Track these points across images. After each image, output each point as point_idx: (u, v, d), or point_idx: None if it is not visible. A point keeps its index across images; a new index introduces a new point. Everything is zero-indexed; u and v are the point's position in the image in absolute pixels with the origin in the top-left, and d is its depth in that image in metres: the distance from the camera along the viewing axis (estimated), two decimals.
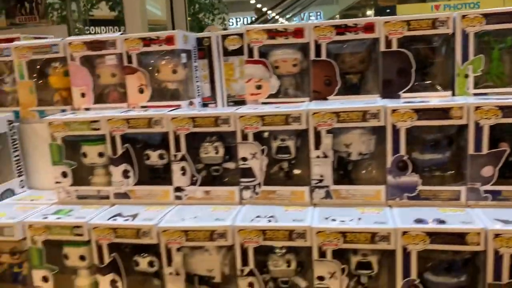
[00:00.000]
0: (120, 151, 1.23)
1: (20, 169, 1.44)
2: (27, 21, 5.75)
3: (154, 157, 1.26)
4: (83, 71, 1.37)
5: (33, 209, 1.25)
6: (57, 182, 1.29)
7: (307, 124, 1.11)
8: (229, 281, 1.12)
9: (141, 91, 1.35)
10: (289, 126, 1.12)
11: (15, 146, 1.42)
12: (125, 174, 1.24)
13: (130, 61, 1.33)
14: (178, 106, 1.31)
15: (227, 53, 1.38)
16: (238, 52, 1.36)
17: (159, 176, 1.27)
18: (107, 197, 1.27)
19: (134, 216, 1.15)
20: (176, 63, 1.34)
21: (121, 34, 1.36)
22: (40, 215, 1.21)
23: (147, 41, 1.31)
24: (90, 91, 1.38)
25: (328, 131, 1.10)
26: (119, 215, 1.17)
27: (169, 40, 1.30)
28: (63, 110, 1.40)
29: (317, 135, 1.11)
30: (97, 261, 1.15)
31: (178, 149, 1.19)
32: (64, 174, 1.28)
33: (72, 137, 1.27)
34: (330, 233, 1.00)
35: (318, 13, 14.43)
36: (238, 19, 15.14)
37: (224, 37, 1.38)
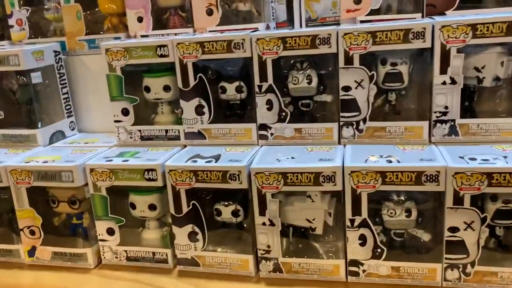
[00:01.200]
0: (192, 82, 1.03)
1: (69, 108, 1.26)
2: None
3: (231, 90, 1.06)
4: None
5: (91, 152, 1.08)
6: (116, 121, 1.11)
7: (432, 41, 0.89)
8: (333, 233, 0.95)
9: (209, 12, 1.13)
10: (408, 44, 0.90)
11: (63, 82, 1.23)
12: (199, 110, 1.05)
13: None
14: (255, 29, 1.10)
15: None
16: None
17: (236, 112, 1.08)
18: (177, 138, 1.08)
19: (217, 158, 0.96)
20: None
21: None
22: (102, 157, 1.03)
23: None
24: (148, 14, 1.16)
25: (459, 50, 0.88)
26: (197, 156, 0.98)
27: None
28: (117, 38, 1.20)
29: (445, 56, 0.89)
30: (173, 210, 0.98)
31: (263, 78, 0.99)
32: (125, 112, 1.10)
33: (132, 67, 1.07)
34: (471, 175, 0.80)
35: None
36: None
37: None
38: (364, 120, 0.96)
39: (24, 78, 1.14)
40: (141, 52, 1.04)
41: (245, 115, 1.08)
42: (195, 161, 0.95)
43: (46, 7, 1.26)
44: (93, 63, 1.24)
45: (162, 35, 1.16)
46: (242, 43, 0.98)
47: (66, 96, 1.24)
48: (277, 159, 0.92)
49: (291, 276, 0.94)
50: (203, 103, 1.04)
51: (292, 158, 0.92)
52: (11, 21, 1.26)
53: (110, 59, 1.06)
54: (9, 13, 1.26)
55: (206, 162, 0.94)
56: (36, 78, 1.13)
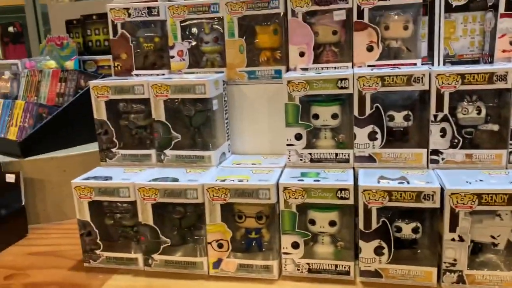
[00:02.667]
0: (368, 111, 1.16)
1: (228, 132, 1.37)
2: None
3: (398, 118, 1.18)
4: (305, 28, 1.28)
5: (270, 172, 1.19)
6: (289, 145, 1.22)
7: None
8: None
9: (370, 49, 1.26)
10: None
11: (226, 108, 1.35)
12: (372, 136, 1.17)
13: (361, 16, 1.25)
14: (413, 64, 1.24)
15: (449, 9, 1.29)
16: (463, 8, 1.28)
17: (400, 138, 1.20)
18: (345, 161, 1.20)
19: (404, 179, 1.08)
20: (408, 18, 1.25)
21: None
22: (288, 177, 1.14)
23: None
24: (310, 49, 1.30)
25: None
26: (382, 177, 1.10)
27: None
28: (278, 71, 1.32)
29: None
30: (362, 226, 1.08)
31: (439, 109, 1.12)
32: (298, 136, 1.21)
33: (305, 97, 1.20)
34: None
35: None
36: None
37: None
38: None
39: (200, 104, 1.25)
40: (322, 84, 1.17)
41: (408, 140, 1.20)
42: (387, 182, 1.07)
43: (205, 40, 1.39)
44: (250, 91, 1.36)
45: (322, 68, 1.29)
46: (421, 78, 1.11)
47: (227, 121, 1.35)
48: (466, 181, 1.03)
49: (474, 287, 1.05)
50: (376, 129, 1.17)
51: (480, 180, 1.04)
52: (172, 52, 1.39)
53: (291, 90, 1.18)
54: (171, 44, 1.38)
55: (399, 183, 1.06)
56: (215, 105, 1.25)
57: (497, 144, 1.12)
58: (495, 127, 1.13)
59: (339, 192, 1.08)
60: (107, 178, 1.22)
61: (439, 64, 1.31)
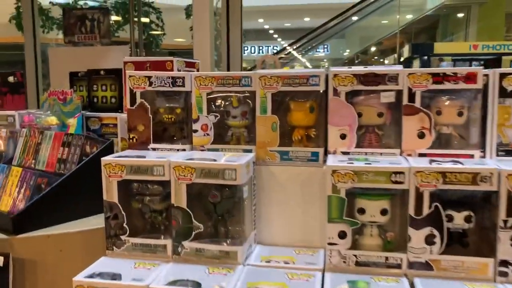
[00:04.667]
0: (426, 211, 1.00)
1: (255, 220, 1.20)
2: (87, 39, 5.61)
3: (458, 219, 1.03)
4: (348, 108, 1.15)
5: (309, 279, 1.01)
6: (330, 244, 1.05)
7: None
8: None
9: (421, 135, 1.13)
10: None
11: (254, 192, 1.19)
12: (429, 239, 1.01)
13: (412, 99, 1.12)
14: (470, 157, 1.10)
15: (504, 94, 1.17)
16: None
17: (458, 241, 1.05)
18: (397, 266, 1.03)
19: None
20: (463, 103, 1.13)
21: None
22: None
23: (438, 77, 1.10)
24: (353, 132, 1.16)
25: None
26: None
27: (470, 77, 1.09)
28: (315, 153, 1.18)
29: None
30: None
31: (510, 213, 0.97)
32: (342, 235, 1.05)
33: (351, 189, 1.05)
34: None
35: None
36: (253, 47, 15.18)
37: (503, 75, 1.18)
38: None
39: (229, 190, 1.09)
40: (373, 177, 1.02)
41: (467, 245, 1.04)
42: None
43: (233, 114, 1.24)
44: (282, 174, 1.20)
45: (366, 153, 1.15)
46: (489, 177, 0.97)
47: (254, 207, 1.19)
48: None
49: None
50: (435, 232, 1.01)
51: None
52: (196, 126, 1.24)
53: (336, 180, 1.03)
54: (195, 117, 1.24)
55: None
56: (245, 192, 1.09)
57: None
58: None
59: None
60: (114, 276, 1.03)
61: (491, 154, 1.17)
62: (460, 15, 11.44)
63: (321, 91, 1.16)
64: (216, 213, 1.12)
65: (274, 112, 1.20)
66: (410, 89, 1.11)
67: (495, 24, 10.43)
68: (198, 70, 1.90)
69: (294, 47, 10.52)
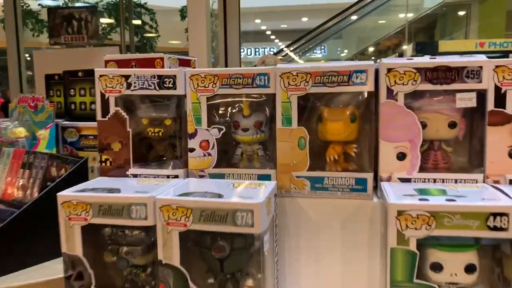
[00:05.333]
0: None
1: (277, 274, 0.86)
2: (74, 40, 5.25)
3: None
4: (409, 117, 0.81)
5: None
6: None
7: None
8: None
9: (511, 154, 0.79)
10: None
11: (275, 237, 0.85)
12: None
13: (501, 103, 0.78)
14: None
15: None
16: None
17: None
18: None
19: None
20: None
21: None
22: None
23: None
24: (415, 150, 0.82)
25: None
26: None
27: None
28: (361, 181, 0.84)
29: None
30: None
31: None
32: None
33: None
34: None
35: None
36: (250, 49, 14.84)
37: None
38: None
39: (242, 240, 0.75)
40: (460, 220, 0.68)
41: None
42: None
43: (243, 126, 0.90)
44: (314, 209, 0.86)
45: (434, 180, 0.81)
46: None
47: (276, 258, 0.85)
48: None
49: None
50: None
51: None
52: (192, 143, 0.90)
53: (404, 226, 0.69)
54: (192, 131, 0.90)
55: None
56: (266, 242, 0.75)
57: None
58: None
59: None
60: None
61: None
62: (461, 13, 11.18)
63: (365, 93, 0.83)
64: (223, 272, 0.78)
65: (302, 123, 0.86)
66: (498, 89, 0.78)
67: (495, 22, 10.19)
68: None
69: (291, 48, 10.21)
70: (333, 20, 9.63)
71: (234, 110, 0.92)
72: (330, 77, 0.83)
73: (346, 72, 0.82)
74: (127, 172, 0.92)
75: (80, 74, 1.87)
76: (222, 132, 0.90)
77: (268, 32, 14.40)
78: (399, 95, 0.81)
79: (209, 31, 4.26)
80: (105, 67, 1.47)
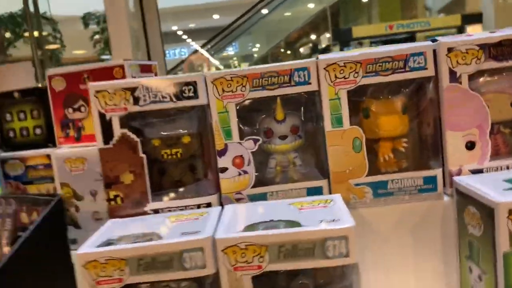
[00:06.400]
0: None
1: None
2: None
3: None
4: (476, 100, 0.72)
5: None
6: None
7: None
8: None
9: None
10: None
11: None
12: None
13: None
14: None
15: None
16: None
17: None
18: None
19: None
20: None
21: None
22: None
23: None
24: (485, 136, 0.73)
25: None
26: None
27: None
28: (430, 179, 0.73)
29: None
30: None
31: None
32: None
33: None
34: None
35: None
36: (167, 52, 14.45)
37: None
38: None
39: (329, 271, 0.61)
40: None
41: None
42: None
43: (279, 133, 0.76)
44: (379, 219, 0.74)
45: (508, 167, 0.73)
46: None
47: None
48: None
49: None
50: None
51: None
52: (223, 161, 0.73)
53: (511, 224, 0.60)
54: (221, 148, 0.73)
55: None
56: (356, 272, 0.61)
57: None
58: None
59: None
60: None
61: None
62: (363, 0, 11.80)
63: (424, 79, 0.73)
64: None
65: (355, 122, 0.74)
66: None
67: (392, 7, 10.91)
68: (156, 75, 1.38)
69: (205, 48, 10.06)
70: (243, 17, 9.65)
71: (264, 116, 0.77)
72: (384, 64, 0.71)
73: (402, 56, 0.71)
74: (145, 209, 0.73)
75: (16, 95, 1.57)
76: (258, 143, 0.75)
77: (180, 32, 14.07)
78: (463, 77, 0.71)
79: (132, 36, 3.97)
80: (49, 85, 1.23)
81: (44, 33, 7.75)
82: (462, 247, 0.71)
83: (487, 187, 0.65)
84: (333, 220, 0.60)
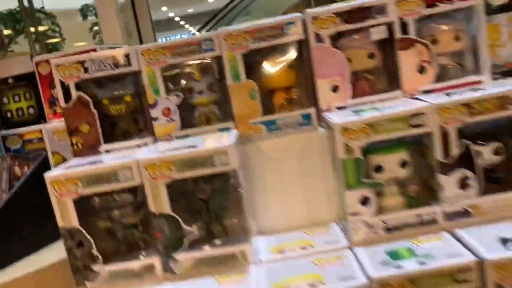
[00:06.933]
0: (455, 151, 0.86)
1: (250, 208, 1.00)
2: None
3: (487, 154, 0.90)
4: (337, 55, 0.97)
5: (341, 260, 0.84)
6: (352, 214, 0.88)
7: None
8: None
9: (421, 70, 0.98)
10: None
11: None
12: (463, 183, 0.87)
13: (405, 31, 0.96)
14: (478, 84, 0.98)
15: (491, 11, 1.06)
16: (507, 8, 1.06)
17: (495, 179, 0.92)
18: (433, 222, 0.89)
19: None
20: (459, 27, 1.00)
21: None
22: (378, 266, 0.80)
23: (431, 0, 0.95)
24: (346, 82, 0.98)
25: None
26: (505, 240, 0.80)
27: None
28: (306, 116, 0.99)
29: None
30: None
31: None
32: (365, 201, 0.88)
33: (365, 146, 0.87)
34: None
35: None
36: (161, 39, 14.58)
37: None
38: None
39: (221, 180, 0.87)
40: (389, 125, 0.85)
41: (499, 181, 0.92)
42: None
43: (198, 90, 1.02)
44: (273, 148, 1.00)
45: (365, 103, 0.98)
46: None
47: (249, 194, 0.98)
48: None
49: None
50: (469, 174, 0.87)
51: None
52: (155, 112, 1.00)
53: (348, 139, 0.85)
54: (152, 102, 1.00)
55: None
56: (242, 179, 0.88)
57: None
58: None
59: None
60: None
61: (488, 78, 1.06)
62: None
63: (297, 41, 0.98)
64: (209, 211, 0.90)
65: (249, 77, 0.99)
66: (401, 19, 0.96)
67: None
68: None
69: (203, 32, 10.22)
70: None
71: (185, 78, 1.03)
72: (267, 32, 0.96)
73: (279, 25, 0.96)
74: (99, 149, 1.00)
75: (10, 81, 1.85)
76: (181, 98, 1.01)
77: (177, 18, 14.22)
78: (325, 38, 0.96)
79: (122, 26, 4.20)
80: (37, 69, 1.50)
81: (44, 28, 7.98)
82: (334, 167, 0.96)
83: (338, 116, 0.91)
84: (221, 142, 0.86)
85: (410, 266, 0.78)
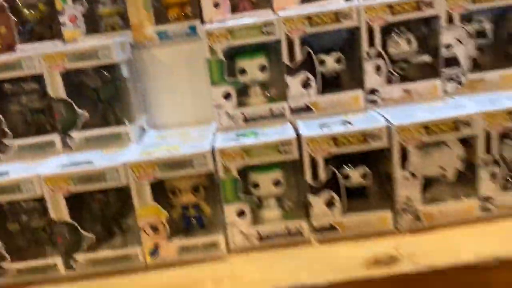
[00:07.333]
0: (299, 57, 1.06)
1: (144, 104, 1.20)
2: None
3: (330, 63, 1.10)
4: None
5: (202, 139, 1.05)
6: (217, 106, 1.08)
7: None
8: (460, 178, 1.03)
9: None
10: None
11: (137, 76, 1.17)
12: (306, 84, 1.08)
13: None
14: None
15: None
16: None
17: (336, 83, 1.12)
18: (281, 115, 1.10)
19: (347, 123, 1.00)
20: None
21: None
22: (224, 141, 1.01)
23: None
24: (225, 1, 1.16)
25: None
26: (324, 125, 1.01)
27: None
28: (192, 27, 1.17)
29: None
30: (310, 179, 0.99)
31: (371, 44, 1.05)
32: (227, 96, 1.08)
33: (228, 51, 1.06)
34: None
35: None
36: None
37: None
38: (464, 74, 1.07)
39: (107, 72, 1.07)
40: (246, 31, 1.04)
41: (342, 85, 1.13)
42: (329, 128, 0.98)
43: (102, 1, 1.19)
44: (164, 54, 1.19)
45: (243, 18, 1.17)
46: (350, 13, 1.03)
47: (143, 93, 1.18)
48: (410, 115, 0.98)
49: (431, 223, 1.01)
50: (310, 76, 1.07)
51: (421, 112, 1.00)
52: (63, 18, 1.17)
53: (212, 42, 1.04)
54: (60, 9, 1.17)
55: (341, 125, 0.98)
56: (125, 71, 1.07)
57: (431, 75, 1.09)
58: (427, 58, 1.10)
59: (282, 147, 0.98)
60: (1, 174, 1.00)
61: None
62: None
63: None
64: (101, 100, 1.10)
65: None
66: None
67: None
68: None
69: None
70: None
71: None
72: None
73: None
74: (15, 49, 1.18)
75: None
76: (86, 7, 1.18)
77: None
78: None
79: None
80: None
81: None
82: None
83: (214, 25, 1.09)
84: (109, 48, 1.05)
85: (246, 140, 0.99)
